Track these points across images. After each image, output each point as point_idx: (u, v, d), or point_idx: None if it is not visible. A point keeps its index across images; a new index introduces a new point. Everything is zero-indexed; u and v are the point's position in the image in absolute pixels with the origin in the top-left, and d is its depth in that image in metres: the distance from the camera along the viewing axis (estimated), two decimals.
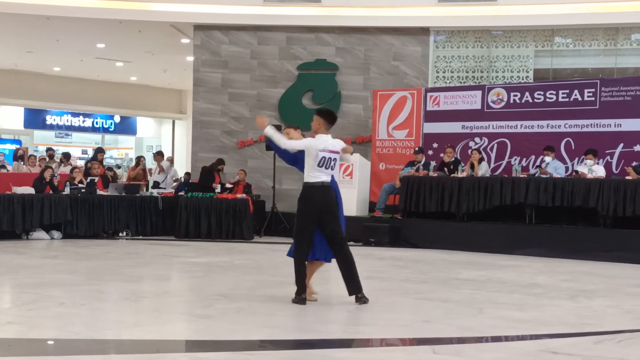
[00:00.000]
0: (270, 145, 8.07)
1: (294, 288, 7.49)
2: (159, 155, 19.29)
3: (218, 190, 16.12)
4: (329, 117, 7.86)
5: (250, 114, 18.26)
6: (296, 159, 7.90)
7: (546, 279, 10.24)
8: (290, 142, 7.70)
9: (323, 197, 7.56)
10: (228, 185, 16.57)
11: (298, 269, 7.57)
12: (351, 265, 7.64)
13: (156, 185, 18.16)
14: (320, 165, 7.57)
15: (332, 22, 17.98)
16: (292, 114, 18.14)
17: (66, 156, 19.64)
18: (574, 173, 14.00)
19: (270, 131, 7.76)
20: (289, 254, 7.76)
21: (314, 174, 7.57)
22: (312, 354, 5.73)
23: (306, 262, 7.65)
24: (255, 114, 18.09)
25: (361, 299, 7.57)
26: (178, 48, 20.93)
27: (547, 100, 15.13)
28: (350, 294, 7.60)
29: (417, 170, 15.18)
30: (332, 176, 7.75)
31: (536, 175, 14.03)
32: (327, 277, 9.19)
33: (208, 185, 16.18)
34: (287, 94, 18.22)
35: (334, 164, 7.69)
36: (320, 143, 7.64)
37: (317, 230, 7.61)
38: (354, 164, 15.86)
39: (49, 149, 21.39)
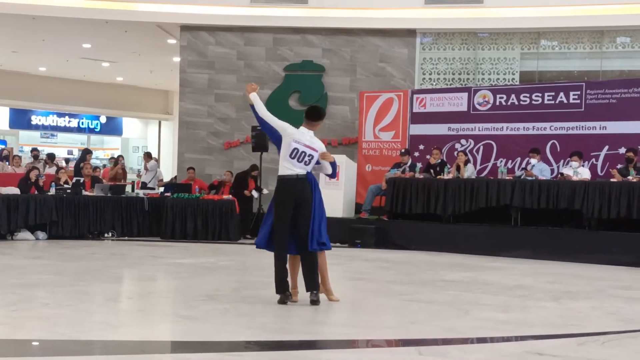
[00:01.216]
0: (254, 113, 7.89)
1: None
2: (147, 156, 19.28)
3: (256, 196, 16.02)
4: (308, 113, 7.79)
5: (237, 115, 18.25)
6: (276, 137, 7.76)
7: (531, 280, 10.27)
8: (268, 114, 7.66)
9: (297, 188, 7.48)
10: (253, 193, 16.25)
11: (280, 266, 7.51)
12: (314, 262, 7.54)
13: (144, 186, 18.12)
14: (293, 156, 7.49)
15: (319, 24, 17.99)
16: (279, 115, 17.95)
17: (50, 157, 19.57)
18: (559, 175, 14.05)
19: (254, 97, 7.72)
20: (264, 246, 7.65)
21: (287, 165, 7.50)
22: (297, 355, 5.73)
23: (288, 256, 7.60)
24: (241, 114, 18.14)
25: (313, 298, 7.49)
26: (164, 49, 20.89)
27: (533, 102, 15.19)
28: (306, 290, 7.52)
29: (404, 171, 15.20)
30: (312, 174, 7.67)
31: (522, 177, 14.07)
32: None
33: (242, 191, 16.05)
34: (274, 95, 18.21)
35: (309, 160, 7.56)
36: (297, 134, 7.57)
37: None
38: (340, 165, 15.84)
39: (33, 150, 21.30)
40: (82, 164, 16.53)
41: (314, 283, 7.50)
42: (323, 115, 7.88)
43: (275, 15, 17.99)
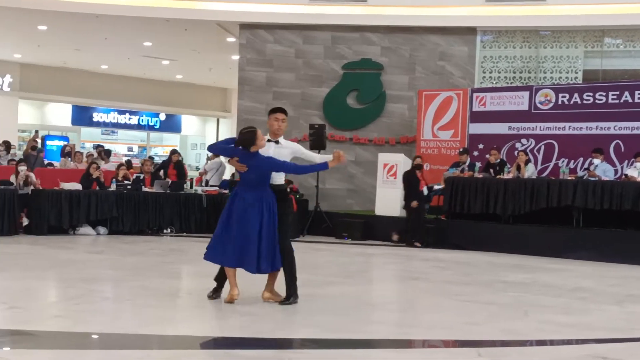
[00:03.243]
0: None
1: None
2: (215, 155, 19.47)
3: (425, 192, 14.83)
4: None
5: (294, 113, 18.27)
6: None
7: (593, 283, 10.07)
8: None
9: None
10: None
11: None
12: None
13: (207, 183, 18.18)
14: None
15: (378, 22, 17.92)
16: (337, 114, 18.15)
17: (107, 153, 19.93)
18: (623, 176, 13.76)
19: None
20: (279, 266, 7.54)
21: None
22: (354, 354, 5.70)
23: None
24: (299, 112, 18.18)
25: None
26: (223, 47, 21.04)
27: (597, 101, 14.90)
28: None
29: (462, 171, 15.05)
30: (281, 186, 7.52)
31: (584, 177, 13.81)
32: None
33: (415, 188, 14.60)
34: (332, 94, 18.20)
35: None
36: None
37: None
38: (397, 164, 15.80)
39: (98, 146, 21.68)
40: (142, 161, 16.75)
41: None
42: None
43: (334, 13, 17.97)
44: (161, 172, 17.18)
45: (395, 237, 14.65)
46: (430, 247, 14.12)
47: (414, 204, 14.17)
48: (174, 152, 18.14)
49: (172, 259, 11.29)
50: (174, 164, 17.28)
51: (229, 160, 7.47)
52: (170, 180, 16.39)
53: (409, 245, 14.18)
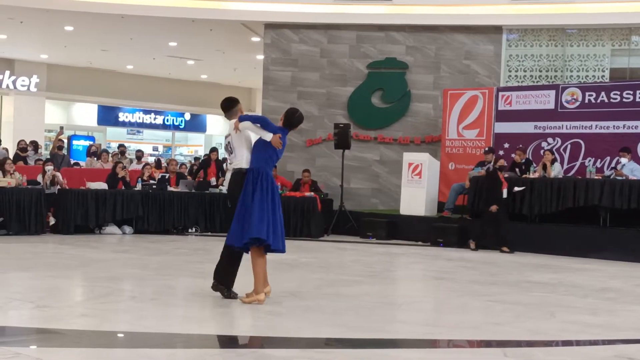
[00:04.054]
0: (251, 120, 7.68)
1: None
2: None
3: (504, 194, 13.57)
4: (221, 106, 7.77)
5: (319, 112, 18.29)
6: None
7: (620, 283, 9.98)
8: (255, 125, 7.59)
9: (231, 180, 7.58)
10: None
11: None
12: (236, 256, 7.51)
13: None
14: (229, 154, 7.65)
15: (403, 21, 17.87)
16: (361, 113, 18.12)
17: (138, 156, 20.09)
18: None
19: (243, 126, 7.56)
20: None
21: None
22: (378, 353, 5.68)
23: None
24: (324, 112, 18.18)
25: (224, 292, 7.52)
26: (248, 46, 21.08)
27: (624, 100, 14.75)
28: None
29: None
30: (262, 168, 7.43)
31: (611, 177, 13.69)
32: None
33: (495, 191, 13.56)
34: (357, 93, 18.18)
35: (229, 146, 7.67)
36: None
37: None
38: (422, 163, 15.75)
39: (120, 146, 21.81)
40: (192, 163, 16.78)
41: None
42: (230, 101, 7.72)
43: (359, 13, 17.94)
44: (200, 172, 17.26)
45: (472, 244, 13.77)
46: (454, 246, 14.05)
47: (494, 208, 13.38)
48: (213, 149, 18.08)
49: (197, 258, 11.33)
50: (215, 162, 17.27)
51: (272, 136, 7.39)
52: (198, 181, 16.41)
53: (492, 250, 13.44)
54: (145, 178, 15.48)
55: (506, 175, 14.50)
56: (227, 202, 7.71)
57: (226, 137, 7.74)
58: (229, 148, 7.67)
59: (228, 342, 5.90)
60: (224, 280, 7.51)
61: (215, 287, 7.54)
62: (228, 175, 7.84)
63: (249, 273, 7.37)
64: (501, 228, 13.60)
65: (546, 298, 8.39)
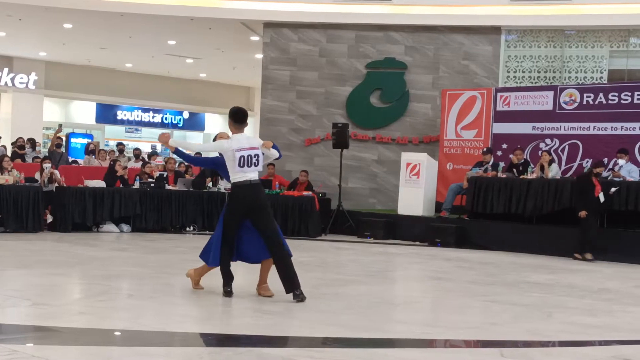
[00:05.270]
0: (181, 156, 8.06)
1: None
2: None
3: (602, 199, 12.81)
4: (236, 116, 7.64)
5: (318, 112, 18.29)
6: (216, 164, 7.89)
7: (618, 284, 9.99)
8: (195, 144, 7.71)
9: (251, 194, 7.42)
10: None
11: (225, 271, 7.56)
12: (285, 262, 7.39)
13: None
14: (242, 165, 7.40)
15: (402, 21, 17.86)
16: (360, 113, 18.12)
17: (136, 154, 20.09)
18: None
19: (176, 142, 7.72)
20: (210, 261, 7.61)
21: (239, 175, 7.43)
22: (376, 352, 5.69)
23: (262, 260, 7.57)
24: (323, 111, 18.19)
25: (298, 296, 7.33)
26: (247, 45, 21.08)
27: (622, 101, 14.77)
28: (287, 292, 7.38)
29: (486, 170, 14.98)
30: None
31: (609, 178, 13.70)
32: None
33: (588, 195, 12.90)
34: (355, 92, 18.18)
35: (257, 160, 7.48)
36: (234, 143, 7.45)
37: (247, 231, 7.47)
38: (420, 163, 15.76)
39: (119, 144, 21.80)
40: (166, 159, 16.80)
41: (293, 284, 7.37)
42: (246, 117, 7.77)
43: (358, 12, 17.93)
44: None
45: (589, 256, 12.74)
46: (452, 246, 14.07)
47: (582, 214, 12.71)
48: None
49: (195, 256, 11.29)
50: None
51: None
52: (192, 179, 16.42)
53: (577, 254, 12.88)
54: (146, 174, 15.48)
55: (503, 176, 14.51)
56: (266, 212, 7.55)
57: (239, 149, 7.43)
58: (251, 160, 7.46)
59: (226, 340, 5.90)
60: (293, 283, 7.39)
61: (298, 297, 7.34)
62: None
63: (254, 272, 7.36)
64: (591, 232, 12.87)
65: (544, 299, 8.40)
